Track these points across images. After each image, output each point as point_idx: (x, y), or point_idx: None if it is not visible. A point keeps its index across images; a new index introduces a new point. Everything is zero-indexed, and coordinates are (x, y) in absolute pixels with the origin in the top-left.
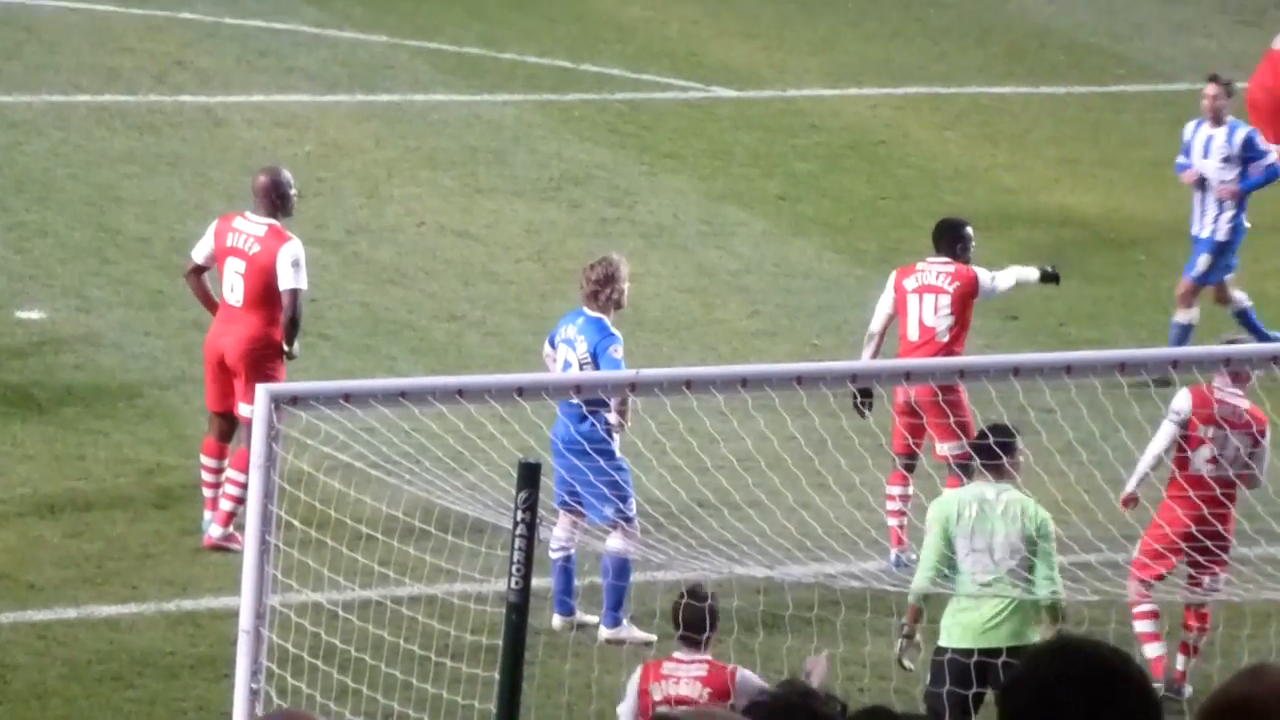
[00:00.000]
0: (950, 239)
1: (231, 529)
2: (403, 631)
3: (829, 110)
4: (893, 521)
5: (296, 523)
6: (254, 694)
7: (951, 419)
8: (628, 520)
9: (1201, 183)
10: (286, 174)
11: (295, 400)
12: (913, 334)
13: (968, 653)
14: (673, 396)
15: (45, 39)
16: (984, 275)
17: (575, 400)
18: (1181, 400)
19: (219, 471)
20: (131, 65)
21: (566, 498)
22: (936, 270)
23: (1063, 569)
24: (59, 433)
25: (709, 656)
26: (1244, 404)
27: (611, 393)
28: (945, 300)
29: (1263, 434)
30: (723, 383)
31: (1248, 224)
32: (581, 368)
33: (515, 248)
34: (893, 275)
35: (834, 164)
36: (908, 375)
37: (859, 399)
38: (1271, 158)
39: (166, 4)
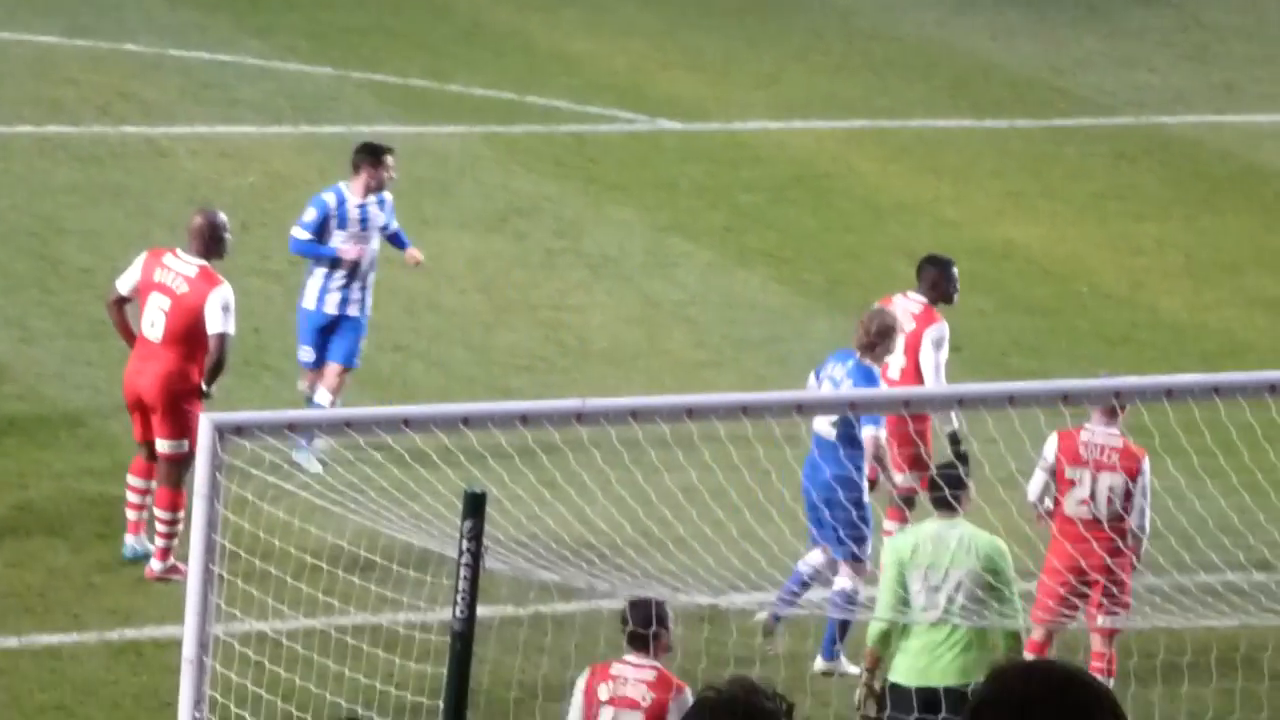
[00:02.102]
0: (928, 276)
1: (172, 561)
2: (347, 660)
3: (774, 143)
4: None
5: (241, 552)
6: None
7: (914, 449)
8: (858, 561)
9: None
10: (223, 217)
11: (239, 430)
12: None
13: (918, 690)
14: (618, 427)
15: None
16: (932, 344)
17: (826, 438)
18: (1049, 445)
19: (145, 492)
20: (75, 96)
21: (815, 531)
22: (904, 309)
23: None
24: (1, 462)
25: (659, 664)
26: (1115, 443)
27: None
28: (902, 340)
29: (1135, 474)
30: (668, 413)
31: None
32: (848, 415)
33: (460, 278)
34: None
35: (779, 196)
36: (852, 406)
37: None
38: None
39: (110, 35)
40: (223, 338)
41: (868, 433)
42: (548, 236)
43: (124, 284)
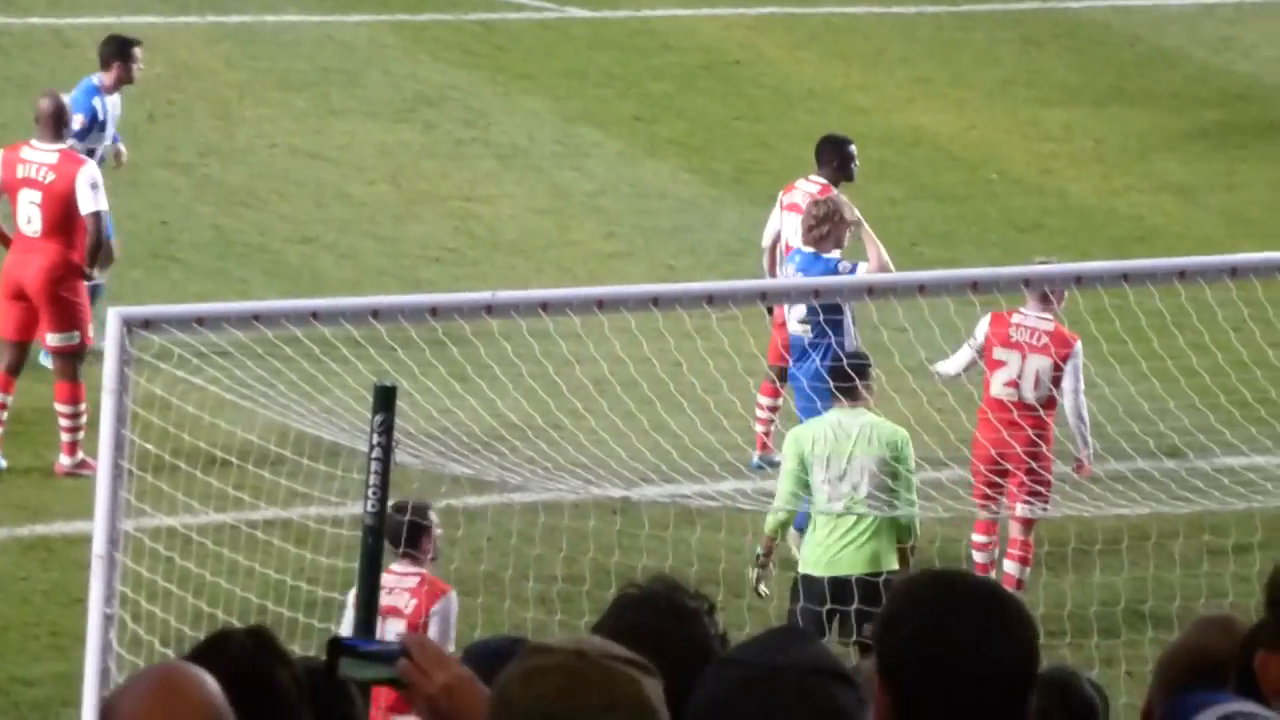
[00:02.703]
0: (826, 156)
1: (81, 455)
2: (258, 555)
3: (684, 30)
4: (759, 428)
5: (150, 447)
6: (108, 619)
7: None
8: None
9: None
10: (67, 97)
11: (147, 324)
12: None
13: (829, 579)
14: (529, 319)
15: None
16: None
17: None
18: (980, 325)
19: (2, 407)
20: None
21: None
22: (804, 191)
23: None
24: None
25: (425, 571)
26: (1047, 326)
27: (466, 315)
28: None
29: (1065, 358)
30: (579, 304)
31: None
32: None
33: (369, 169)
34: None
35: (689, 84)
36: (763, 295)
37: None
38: None
39: None
40: (97, 216)
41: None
42: (456, 126)
43: None
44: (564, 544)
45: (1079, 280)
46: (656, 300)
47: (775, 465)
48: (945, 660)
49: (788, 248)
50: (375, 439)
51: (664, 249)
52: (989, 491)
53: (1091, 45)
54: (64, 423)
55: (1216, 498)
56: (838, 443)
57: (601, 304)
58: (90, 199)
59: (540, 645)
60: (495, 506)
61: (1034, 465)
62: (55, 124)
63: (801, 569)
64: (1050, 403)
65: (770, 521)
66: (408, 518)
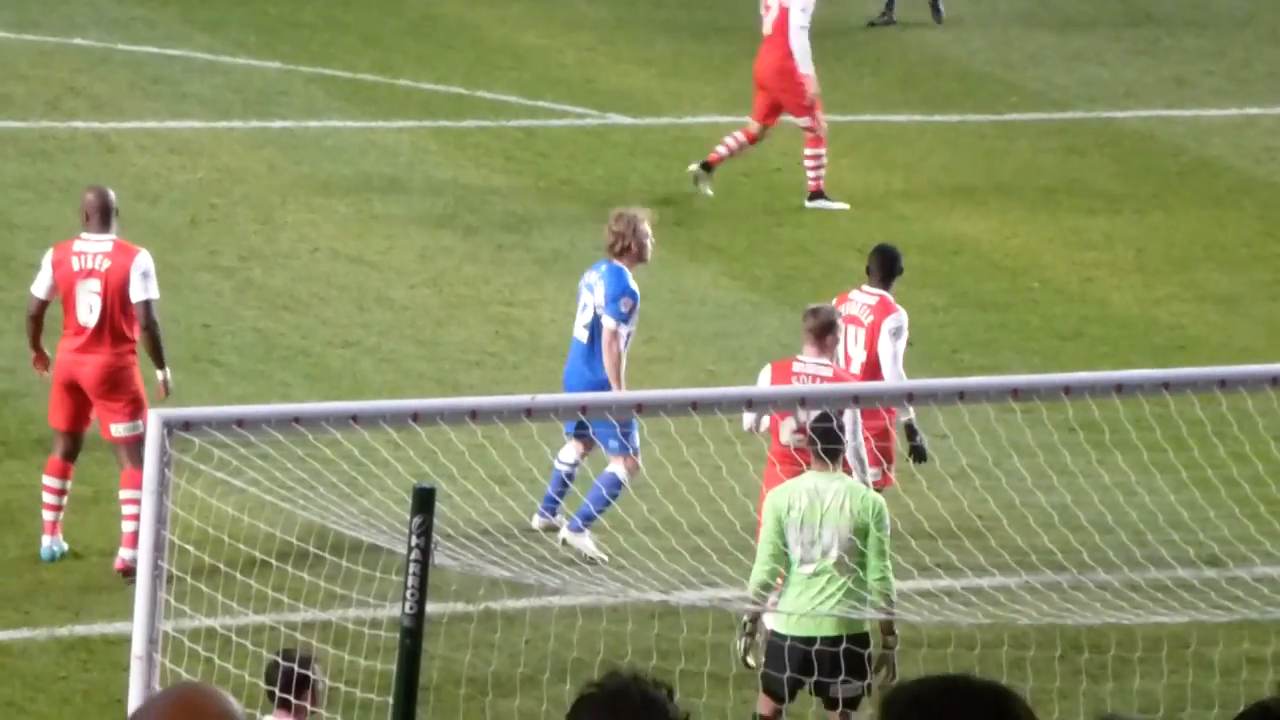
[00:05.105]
0: (877, 265)
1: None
2: (323, 666)
3: (724, 137)
4: None
5: (190, 548)
6: None
7: (879, 443)
8: (627, 453)
9: None
10: (112, 191)
11: (188, 425)
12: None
13: (798, 639)
14: (569, 422)
15: None
16: (890, 334)
17: (582, 340)
18: (762, 376)
19: (61, 493)
20: (24, 91)
21: (576, 427)
22: (861, 302)
23: (954, 594)
24: None
25: None
26: (825, 372)
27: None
28: (863, 334)
29: None
30: (619, 409)
31: None
32: (596, 313)
33: (410, 274)
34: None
35: (730, 191)
36: (802, 401)
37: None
38: None
39: (58, 30)
40: (147, 305)
41: (607, 325)
42: (497, 231)
43: (40, 288)
44: (601, 648)
45: (1120, 388)
46: (695, 404)
47: None
48: None
49: (847, 358)
50: (414, 540)
51: (704, 354)
52: None
53: (1134, 154)
54: (131, 509)
55: (1257, 607)
56: (812, 506)
57: (641, 408)
58: (141, 287)
59: None
60: (533, 609)
61: None
62: (102, 213)
63: (770, 625)
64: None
65: (753, 583)
66: (295, 666)
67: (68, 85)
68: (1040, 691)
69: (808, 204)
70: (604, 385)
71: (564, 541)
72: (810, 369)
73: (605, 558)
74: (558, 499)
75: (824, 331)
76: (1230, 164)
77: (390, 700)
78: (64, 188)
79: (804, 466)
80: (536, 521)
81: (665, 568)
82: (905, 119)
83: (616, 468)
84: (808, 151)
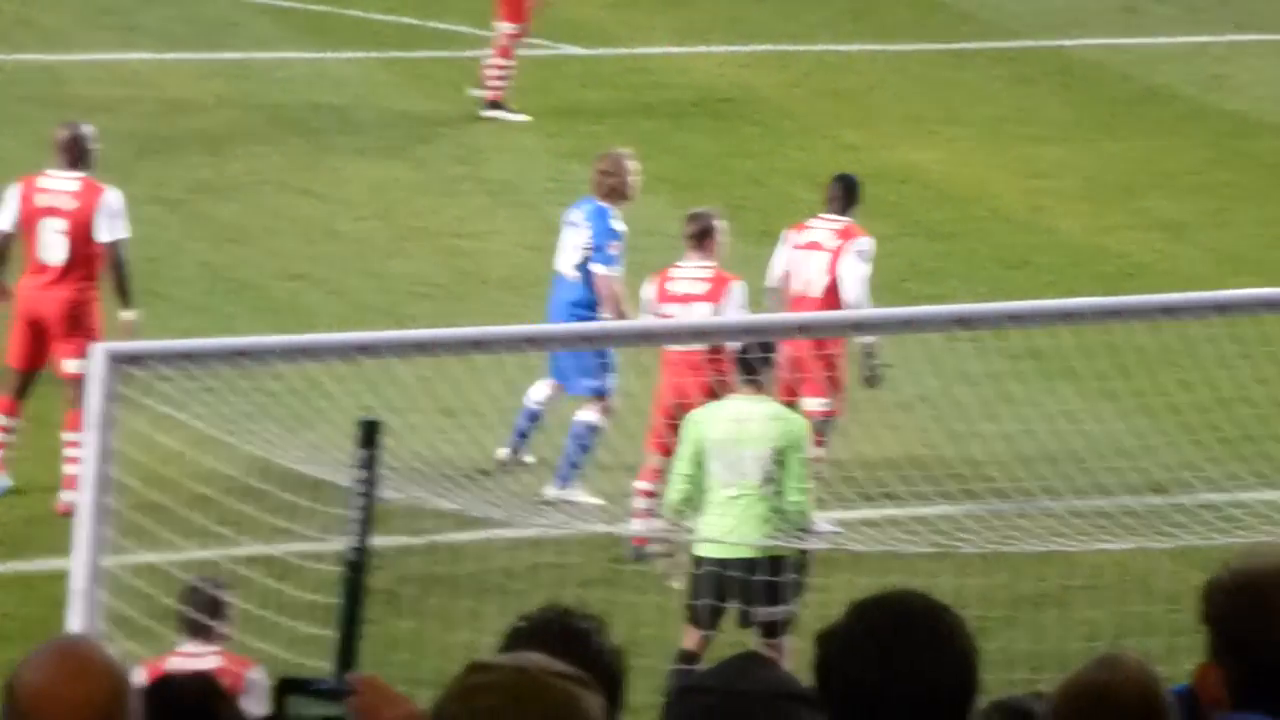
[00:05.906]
0: (845, 197)
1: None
2: (239, 591)
3: (676, 68)
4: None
5: (133, 482)
6: None
7: (828, 372)
8: (601, 396)
9: None
10: (88, 128)
11: (133, 359)
12: (798, 289)
13: (715, 561)
14: (517, 354)
15: None
16: (857, 255)
17: (570, 278)
18: (646, 288)
19: (10, 431)
20: None
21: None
22: (824, 228)
23: (898, 522)
24: None
25: (221, 649)
26: (706, 274)
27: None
28: (826, 258)
29: (719, 298)
30: (567, 339)
31: None
32: (583, 254)
33: (359, 205)
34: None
35: (680, 122)
36: (745, 333)
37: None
38: None
39: None
40: (115, 245)
41: (598, 270)
42: (448, 163)
43: (4, 220)
44: (545, 580)
45: (1067, 316)
46: (647, 335)
47: None
48: (882, 682)
49: (806, 284)
50: (358, 474)
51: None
52: (671, 439)
53: (1084, 83)
54: (73, 453)
55: (1200, 533)
56: (734, 430)
57: (589, 339)
58: (108, 228)
59: (480, 663)
60: (478, 542)
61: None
62: (71, 151)
63: (694, 549)
64: (720, 346)
65: (667, 503)
66: (212, 592)
67: (17, 17)
68: (983, 619)
69: (483, 113)
70: (583, 321)
71: (552, 499)
72: (690, 272)
73: (602, 501)
74: (525, 434)
75: (703, 235)
76: (1179, 92)
77: (333, 634)
78: (12, 121)
79: (691, 370)
80: (502, 453)
81: (613, 500)
82: (855, 48)
83: (587, 414)
84: (497, 60)
